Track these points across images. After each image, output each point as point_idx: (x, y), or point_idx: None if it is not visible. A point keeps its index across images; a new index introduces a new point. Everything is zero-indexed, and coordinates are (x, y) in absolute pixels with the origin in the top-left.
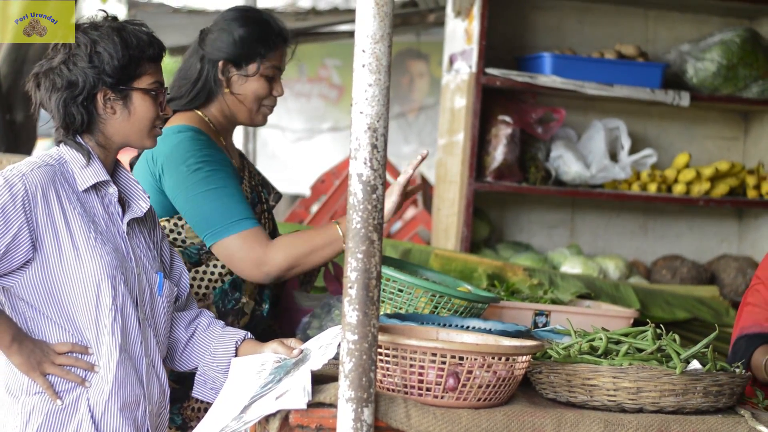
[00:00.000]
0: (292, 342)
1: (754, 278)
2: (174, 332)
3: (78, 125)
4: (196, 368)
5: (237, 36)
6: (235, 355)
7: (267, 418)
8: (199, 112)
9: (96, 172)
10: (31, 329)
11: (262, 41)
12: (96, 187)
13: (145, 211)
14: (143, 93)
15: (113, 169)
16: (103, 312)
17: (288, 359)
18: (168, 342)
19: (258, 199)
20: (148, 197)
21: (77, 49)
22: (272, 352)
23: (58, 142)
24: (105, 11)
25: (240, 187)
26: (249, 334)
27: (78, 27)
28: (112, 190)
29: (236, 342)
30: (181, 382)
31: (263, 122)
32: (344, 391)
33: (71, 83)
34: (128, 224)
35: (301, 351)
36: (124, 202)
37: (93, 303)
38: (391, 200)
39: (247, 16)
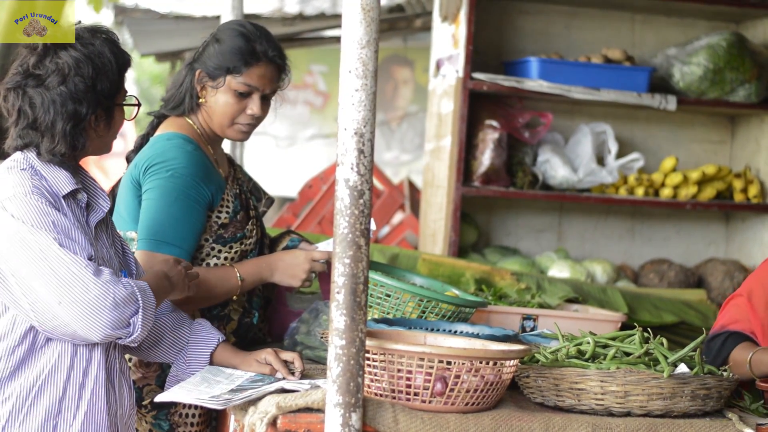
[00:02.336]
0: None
1: (746, 284)
2: None
3: (80, 148)
4: (167, 363)
5: (217, 47)
6: (211, 362)
7: (254, 423)
8: (189, 120)
9: (69, 181)
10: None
11: (238, 56)
12: (70, 193)
13: (106, 210)
14: (121, 107)
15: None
16: None
17: (269, 377)
18: None
19: (242, 206)
20: (107, 194)
21: (78, 70)
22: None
23: (20, 147)
24: (80, 21)
25: (196, 209)
26: (221, 337)
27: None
28: (81, 196)
29: (210, 350)
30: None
31: (239, 138)
32: (332, 396)
33: (77, 111)
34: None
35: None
36: (87, 204)
37: None
38: (301, 269)
39: (236, 29)
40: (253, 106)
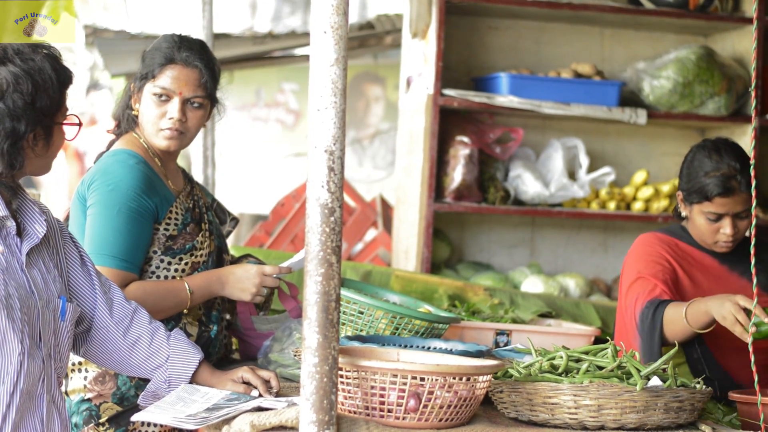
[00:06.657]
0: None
1: (635, 273)
2: (111, 335)
3: (18, 167)
4: (141, 377)
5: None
6: (190, 381)
7: None
8: (135, 134)
9: None
10: None
11: (152, 61)
12: None
13: (41, 236)
14: (61, 127)
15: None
16: (7, 358)
17: (245, 395)
18: (106, 347)
19: (193, 219)
20: (45, 219)
21: (17, 86)
22: (232, 384)
23: None
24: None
25: (140, 221)
26: (201, 356)
27: (5, 56)
28: (10, 223)
29: (192, 369)
30: (124, 404)
31: (166, 145)
32: (306, 413)
33: (15, 128)
34: (27, 254)
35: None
36: (20, 228)
37: None
38: (252, 282)
39: (161, 38)
40: (172, 109)
